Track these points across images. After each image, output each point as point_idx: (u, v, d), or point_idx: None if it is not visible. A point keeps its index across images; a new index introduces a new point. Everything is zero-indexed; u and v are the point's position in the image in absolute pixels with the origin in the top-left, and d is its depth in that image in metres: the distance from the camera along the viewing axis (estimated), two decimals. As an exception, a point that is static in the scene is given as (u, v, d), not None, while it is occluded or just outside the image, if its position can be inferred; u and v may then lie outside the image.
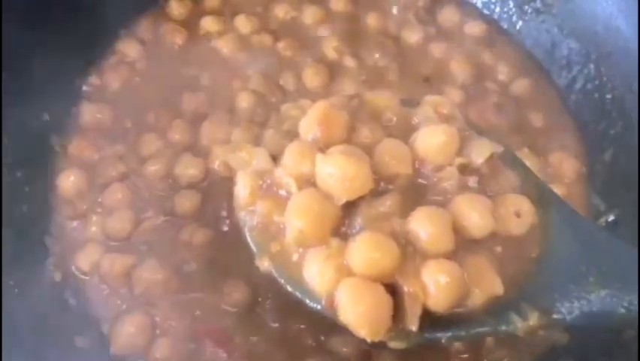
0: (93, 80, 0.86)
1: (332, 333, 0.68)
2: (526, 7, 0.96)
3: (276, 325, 0.69)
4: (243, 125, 0.79)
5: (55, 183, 0.77)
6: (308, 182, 0.53)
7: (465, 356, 0.70)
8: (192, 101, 0.83)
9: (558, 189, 0.68)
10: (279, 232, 0.54)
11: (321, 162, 0.51)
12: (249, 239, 0.56)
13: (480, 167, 0.56)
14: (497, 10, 0.98)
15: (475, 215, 0.52)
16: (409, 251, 0.50)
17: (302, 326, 0.69)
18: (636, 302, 0.51)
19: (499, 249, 0.54)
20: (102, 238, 0.74)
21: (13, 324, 0.63)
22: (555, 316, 0.53)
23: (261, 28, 0.91)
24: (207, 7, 0.93)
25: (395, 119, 0.60)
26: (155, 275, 0.71)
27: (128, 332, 0.68)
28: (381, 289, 0.48)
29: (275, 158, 0.57)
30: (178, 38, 0.90)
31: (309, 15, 0.92)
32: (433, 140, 0.55)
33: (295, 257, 0.53)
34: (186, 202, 0.75)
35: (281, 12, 0.93)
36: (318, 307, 0.51)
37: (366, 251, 0.49)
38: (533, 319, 0.52)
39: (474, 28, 0.95)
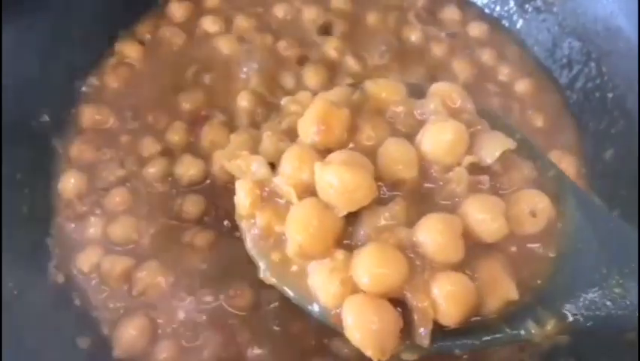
0: (93, 81, 0.86)
1: (334, 334, 0.67)
2: (527, 5, 0.95)
3: (278, 328, 0.69)
4: (241, 129, 0.78)
5: (56, 184, 0.77)
6: (308, 190, 0.50)
7: (464, 357, 0.69)
8: (192, 101, 0.83)
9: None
10: (280, 243, 0.52)
11: (320, 171, 0.49)
12: (249, 249, 0.55)
13: (491, 165, 0.53)
14: (498, 9, 0.98)
15: (486, 220, 0.49)
16: (417, 263, 0.48)
17: (304, 328, 0.69)
18: None
19: (513, 249, 0.51)
20: (102, 239, 0.74)
21: (13, 325, 0.63)
22: (573, 322, 0.50)
23: (261, 28, 0.91)
24: (207, 7, 0.93)
25: (401, 113, 0.56)
26: (157, 277, 0.71)
27: (130, 334, 0.68)
28: (389, 308, 0.47)
29: (274, 164, 0.54)
30: (177, 39, 0.90)
31: (309, 14, 0.92)
32: (440, 139, 0.52)
33: (297, 268, 0.51)
34: (188, 204, 0.75)
35: (281, 12, 0.92)
36: (323, 318, 0.50)
37: (372, 266, 0.46)
38: (550, 325, 0.49)
39: (475, 28, 0.95)
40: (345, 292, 0.47)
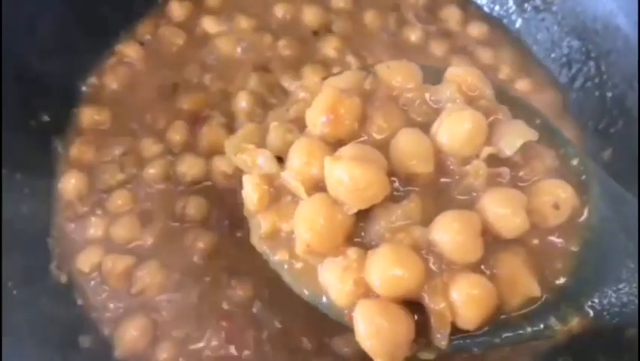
0: (93, 81, 0.86)
1: (334, 334, 0.68)
2: (526, 5, 0.95)
3: (279, 325, 0.69)
4: (248, 118, 0.77)
5: (56, 185, 0.77)
6: (317, 185, 0.48)
7: (462, 356, 0.69)
8: (191, 102, 0.83)
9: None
10: (289, 241, 0.50)
11: (330, 166, 0.46)
12: (256, 245, 0.53)
13: (511, 156, 0.50)
14: (497, 8, 0.98)
15: (507, 215, 0.46)
16: (434, 264, 0.45)
17: (305, 327, 0.69)
18: None
19: (535, 242, 0.49)
20: (103, 240, 0.74)
21: (13, 325, 0.63)
22: (599, 319, 0.47)
23: (261, 28, 0.90)
24: (207, 7, 0.93)
25: (415, 101, 0.53)
26: (157, 277, 0.71)
27: (131, 335, 0.68)
28: (403, 316, 0.45)
29: (281, 158, 0.52)
30: (177, 39, 0.89)
31: (309, 14, 0.92)
32: (457, 129, 0.48)
33: (307, 265, 0.49)
34: (189, 205, 0.75)
35: (280, 11, 0.92)
36: (333, 315, 0.49)
37: (386, 270, 0.44)
38: (574, 323, 0.47)
39: (474, 27, 0.95)
40: (358, 293, 0.45)
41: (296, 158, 0.49)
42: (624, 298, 0.48)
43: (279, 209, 0.51)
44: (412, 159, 0.48)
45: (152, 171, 0.77)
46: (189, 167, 0.77)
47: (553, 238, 0.49)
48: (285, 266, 0.51)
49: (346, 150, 0.47)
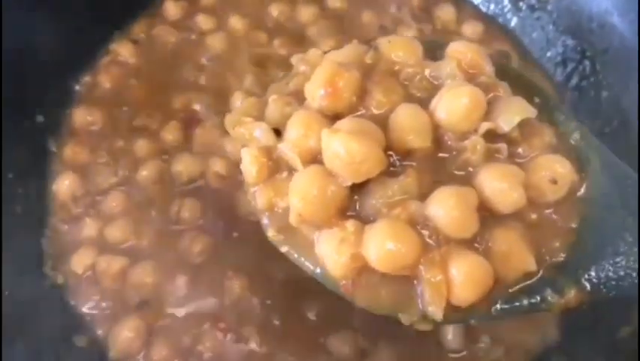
0: (86, 80, 0.85)
1: (330, 333, 0.68)
2: (521, 3, 0.95)
3: (277, 323, 0.69)
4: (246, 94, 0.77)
5: (50, 185, 0.77)
6: (314, 157, 0.48)
7: (461, 355, 0.70)
8: (186, 101, 0.83)
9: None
10: (285, 214, 0.50)
11: (327, 138, 0.46)
12: (257, 213, 0.53)
13: (510, 132, 0.49)
14: (492, 7, 0.98)
15: (504, 190, 0.46)
16: (430, 238, 0.46)
17: (302, 326, 0.69)
18: None
19: (533, 217, 0.49)
20: (97, 241, 0.74)
21: (8, 325, 0.63)
22: (595, 292, 0.48)
23: (256, 27, 0.90)
24: (202, 6, 0.93)
25: (415, 76, 0.53)
26: (152, 278, 0.71)
27: (125, 335, 0.68)
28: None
29: (279, 131, 0.52)
30: (172, 38, 0.89)
31: (305, 13, 0.92)
32: (455, 105, 0.48)
33: (303, 235, 0.49)
34: (183, 205, 0.74)
35: (276, 10, 0.92)
36: (328, 284, 0.49)
37: (383, 245, 0.44)
38: (570, 295, 0.48)
39: (470, 26, 0.94)
40: (355, 266, 0.46)
41: (293, 130, 0.49)
42: (621, 272, 0.48)
43: (274, 184, 0.51)
44: (410, 134, 0.48)
45: (146, 172, 0.77)
46: (185, 166, 0.77)
47: (551, 213, 0.49)
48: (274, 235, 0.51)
49: (344, 124, 0.47)
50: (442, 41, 0.56)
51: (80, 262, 0.72)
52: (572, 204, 0.50)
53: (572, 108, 0.89)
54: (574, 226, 0.50)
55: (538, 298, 0.48)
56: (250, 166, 0.51)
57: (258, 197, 0.51)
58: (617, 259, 0.48)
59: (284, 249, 0.51)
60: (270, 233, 0.51)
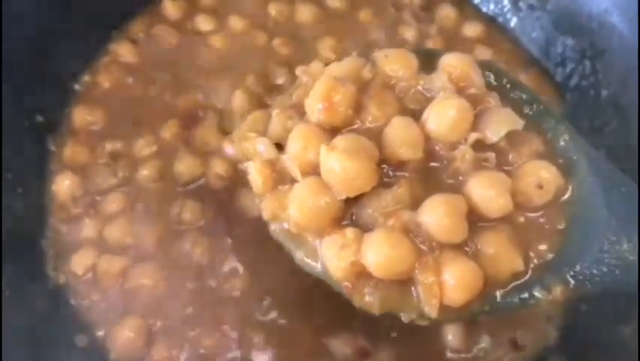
0: (86, 81, 0.85)
1: (332, 334, 0.69)
2: (521, 3, 0.95)
3: (279, 323, 0.69)
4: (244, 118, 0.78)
5: (50, 185, 0.77)
6: (314, 169, 0.52)
7: (461, 355, 0.70)
8: (186, 101, 0.83)
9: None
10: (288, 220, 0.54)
11: (324, 155, 0.50)
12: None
13: (498, 142, 0.53)
14: (492, 7, 0.98)
15: (491, 196, 0.50)
16: (423, 243, 0.49)
17: (303, 327, 0.69)
18: None
19: (521, 220, 0.52)
20: (97, 241, 0.74)
21: (8, 326, 0.63)
22: (580, 288, 0.51)
23: (256, 27, 0.90)
24: (201, 5, 0.92)
25: (410, 89, 0.56)
26: (152, 278, 0.71)
27: (126, 336, 0.68)
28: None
29: (281, 145, 0.56)
30: (171, 38, 0.89)
31: (304, 13, 0.92)
32: (443, 116, 0.52)
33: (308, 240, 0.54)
34: (184, 206, 0.74)
35: (275, 10, 0.92)
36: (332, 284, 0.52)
37: (380, 254, 0.48)
38: (557, 292, 0.51)
39: (470, 26, 0.94)
40: (354, 271, 0.49)
41: (294, 143, 0.53)
42: (604, 268, 0.51)
43: (278, 195, 0.54)
44: (402, 147, 0.51)
45: (146, 172, 0.77)
46: (185, 166, 0.77)
47: (539, 217, 0.53)
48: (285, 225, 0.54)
49: (340, 141, 0.50)
50: (437, 51, 0.60)
51: (79, 262, 0.72)
52: (559, 206, 0.53)
53: (572, 108, 0.89)
54: (561, 227, 0.53)
55: (527, 294, 0.51)
56: (256, 178, 0.55)
57: (264, 208, 0.55)
58: (601, 257, 0.51)
59: (298, 255, 0.54)
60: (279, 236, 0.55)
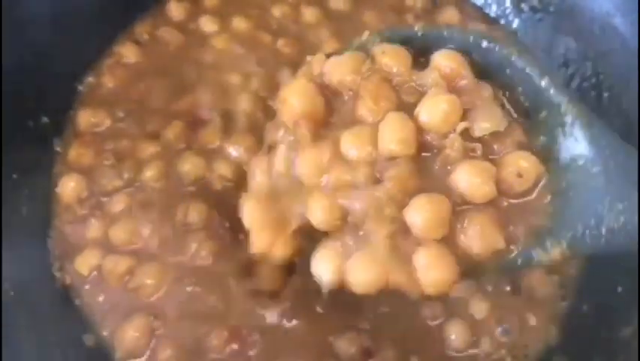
0: (90, 82, 0.85)
1: (340, 332, 0.69)
2: (523, 5, 0.96)
3: (283, 323, 0.70)
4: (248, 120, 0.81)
5: (55, 187, 0.77)
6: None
7: (464, 354, 0.70)
8: (190, 102, 0.83)
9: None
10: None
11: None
12: None
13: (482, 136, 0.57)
14: (495, 8, 0.98)
15: (477, 183, 0.54)
16: (406, 242, 0.53)
17: (310, 326, 0.70)
18: None
19: (505, 204, 0.56)
20: (102, 242, 0.74)
21: (12, 325, 0.64)
22: (577, 251, 0.55)
23: (260, 28, 0.90)
24: (205, 7, 0.93)
25: (405, 84, 0.59)
26: (158, 278, 0.71)
27: (132, 336, 0.68)
28: None
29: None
30: (176, 39, 0.89)
31: (308, 15, 0.92)
32: (435, 111, 0.55)
33: None
34: (189, 207, 0.74)
35: (279, 12, 0.92)
36: None
37: (363, 274, 0.54)
38: (556, 253, 0.55)
39: (472, 28, 0.95)
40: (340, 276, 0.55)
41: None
42: (595, 232, 0.54)
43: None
44: (394, 143, 0.55)
45: (151, 173, 0.77)
46: (190, 168, 0.77)
47: (522, 198, 0.57)
48: None
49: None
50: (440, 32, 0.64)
51: (84, 263, 0.73)
52: (542, 188, 0.57)
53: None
54: (546, 201, 0.57)
55: (527, 258, 0.55)
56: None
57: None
58: (596, 221, 0.54)
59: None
60: None
